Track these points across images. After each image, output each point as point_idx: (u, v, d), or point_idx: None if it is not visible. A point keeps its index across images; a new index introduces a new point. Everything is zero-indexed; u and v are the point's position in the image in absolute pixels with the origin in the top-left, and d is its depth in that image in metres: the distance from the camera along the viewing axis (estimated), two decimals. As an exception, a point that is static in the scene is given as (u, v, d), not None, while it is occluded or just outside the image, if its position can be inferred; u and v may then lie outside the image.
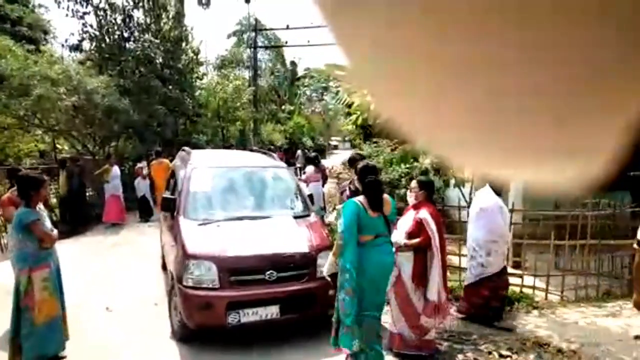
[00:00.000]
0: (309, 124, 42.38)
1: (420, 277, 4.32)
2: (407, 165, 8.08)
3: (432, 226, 4.24)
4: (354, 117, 11.87)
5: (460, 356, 4.49)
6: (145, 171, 12.48)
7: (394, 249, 4.16)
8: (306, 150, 24.70)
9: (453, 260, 6.49)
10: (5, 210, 6.02)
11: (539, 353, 4.52)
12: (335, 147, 53.16)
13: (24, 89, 10.75)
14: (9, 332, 4.19)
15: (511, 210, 6.30)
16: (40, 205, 4.42)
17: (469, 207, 6.44)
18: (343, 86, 19.02)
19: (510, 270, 6.17)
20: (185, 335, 4.78)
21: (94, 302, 5.91)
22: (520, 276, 5.95)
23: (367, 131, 17.00)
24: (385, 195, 4.25)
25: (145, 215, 12.60)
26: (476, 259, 5.16)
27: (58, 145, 16.77)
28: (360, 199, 3.99)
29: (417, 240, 4.35)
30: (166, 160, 13.16)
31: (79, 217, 11.39)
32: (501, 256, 5.20)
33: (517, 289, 5.90)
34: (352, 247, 3.75)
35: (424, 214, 4.33)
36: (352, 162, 4.93)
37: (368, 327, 3.81)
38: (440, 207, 6.59)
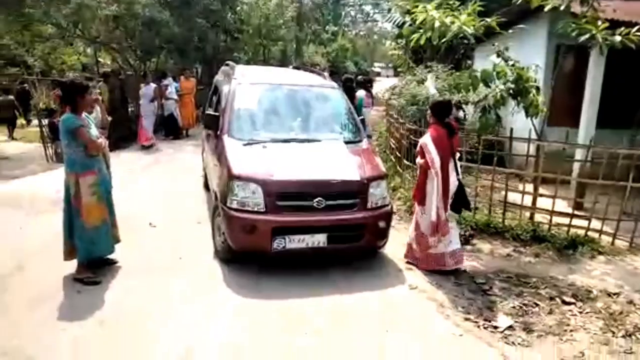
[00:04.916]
0: (353, 47, 40.51)
1: (420, 196, 4.70)
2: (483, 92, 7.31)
3: (430, 149, 4.48)
4: (411, 37, 10.75)
5: (517, 300, 4.17)
6: (170, 89, 12.15)
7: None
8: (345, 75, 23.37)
9: (511, 196, 5.97)
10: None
11: (606, 303, 4.14)
12: (378, 74, 50.73)
13: (64, -4, 10.34)
14: (63, 232, 4.23)
15: (582, 146, 5.68)
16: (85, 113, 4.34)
17: (539, 140, 5.83)
18: (395, 3, 17.64)
19: (568, 210, 5.68)
20: (227, 257, 4.64)
21: (138, 218, 5.85)
22: (588, 218, 5.43)
23: (419, 55, 15.89)
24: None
25: (172, 134, 12.51)
26: None
27: (100, 59, 16.63)
28: None
29: (420, 161, 4.66)
30: (193, 79, 12.85)
31: (121, 131, 11.33)
32: None
33: (582, 232, 5.42)
34: None
35: (425, 137, 4.64)
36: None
37: None
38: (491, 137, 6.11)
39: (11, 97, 13.77)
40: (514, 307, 4.05)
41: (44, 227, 5.31)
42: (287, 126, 5.20)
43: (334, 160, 4.71)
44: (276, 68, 8.64)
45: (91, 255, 4.29)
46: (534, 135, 5.75)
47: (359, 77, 9.59)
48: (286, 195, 4.34)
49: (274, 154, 4.67)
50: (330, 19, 38.14)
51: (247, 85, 5.45)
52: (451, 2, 5.62)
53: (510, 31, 6.49)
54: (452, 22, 5.09)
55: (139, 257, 4.77)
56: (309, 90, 5.70)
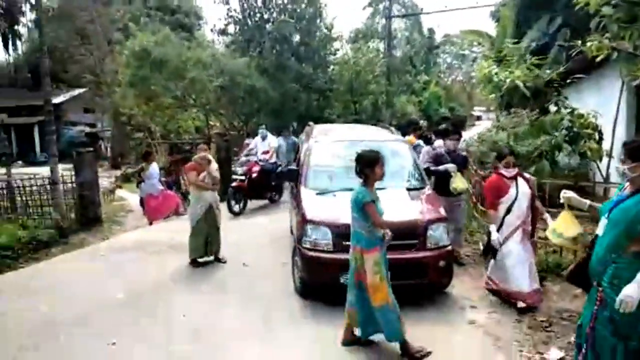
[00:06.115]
0: (447, 93, 40.62)
1: None
2: (542, 139, 7.50)
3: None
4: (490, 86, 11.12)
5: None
6: (250, 147, 13.17)
7: None
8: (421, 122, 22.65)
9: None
10: (188, 174, 6.78)
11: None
12: (479, 118, 50.19)
13: (180, 72, 12.39)
14: (348, 303, 4.20)
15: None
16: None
17: (605, 182, 5.87)
18: (482, 52, 17.79)
19: None
20: (304, 290, 5.32)
21: (234, 259, 6.84)
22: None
23: (507, 102, 15.88)
24: None
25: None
26: None
27: (210, 122, 18.93)
28: None
29: None
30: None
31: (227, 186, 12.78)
32: None
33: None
34: None
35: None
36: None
37: None
38: (572, 182, 6.13)
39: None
40: (569, 343, 4.17)
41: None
42: (355, 177, 5.89)
43: (395, 204, 5.26)
44: (351, 125, 9.44)
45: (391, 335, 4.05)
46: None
47: (441, 125, 10.03)
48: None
49: (342, 201, 5.34)
50: (423, 69, 38.88)
51: (322, 143, 6.31)
52: (509, 58, 6.05)
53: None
54: (507, 77, 5.51)
55: (231, 289, 5.65)
56: (377, 144, 6.33)
